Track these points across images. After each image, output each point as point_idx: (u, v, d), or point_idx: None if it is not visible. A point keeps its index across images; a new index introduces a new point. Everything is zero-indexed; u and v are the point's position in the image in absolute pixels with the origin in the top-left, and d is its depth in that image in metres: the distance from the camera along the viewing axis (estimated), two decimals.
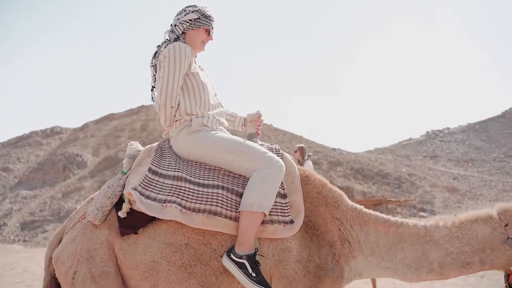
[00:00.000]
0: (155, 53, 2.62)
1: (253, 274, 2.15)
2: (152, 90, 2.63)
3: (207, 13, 2.61)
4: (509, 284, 2.39)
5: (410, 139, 60.93)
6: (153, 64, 2.61)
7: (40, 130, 51.35)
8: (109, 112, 53.70)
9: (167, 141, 2.59)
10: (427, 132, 62.22)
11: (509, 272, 2.38)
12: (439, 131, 62.37)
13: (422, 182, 39.63)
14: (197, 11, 2.59)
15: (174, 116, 2.51)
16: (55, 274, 2.43)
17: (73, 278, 2.27)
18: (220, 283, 2.25)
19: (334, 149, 45.96)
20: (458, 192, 38.49)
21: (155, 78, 2.59)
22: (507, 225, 2.34)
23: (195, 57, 2.68)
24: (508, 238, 2.32)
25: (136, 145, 2.62)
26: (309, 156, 8.34)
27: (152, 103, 2.66)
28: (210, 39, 2.69)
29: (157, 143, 2.55)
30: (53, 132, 51.03)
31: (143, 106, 53.81)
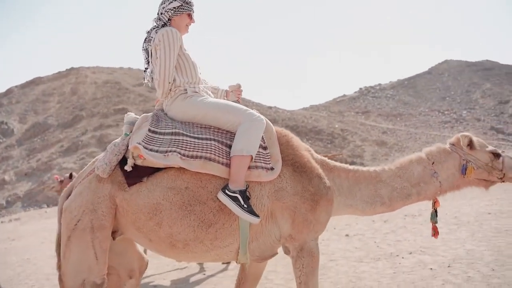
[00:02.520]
0: (145, 38, 3.02)
1: (245, 206, 2.62)
2: (145, 71, 3.09)
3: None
4: (435, 210, 3.10)
5: (344, 95, 62.69)
6: (145, 48, 3.04)
7: None
8: (36, 76, 50.61)
9: (160, 110, 3.00)
10: (360, 88, 64.18)
11: (435, 200, 3.08)
12: (371, 87, 64.55)
13: (354, 137, 41.41)
14: None
15: (170, 90, 2.94)
16: None
17: (76, 225, 2.68)
18: (217, 220, 2.68)
19: (270, 108, 46.62)
20: (386, 145, 40.66)
21: (147, 60, 3.04)
22: (433, 162, 3.05)
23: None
24: (435, 172, 3.03)
25: (132, 114, 3.05)
26: None
27: (144, 82, 3.14)
28: (193, 22, 3.11)
29: (153, 112, 2.97)
30: None
31: (72, 69, 51.17)
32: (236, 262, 2.84)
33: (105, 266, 2.71)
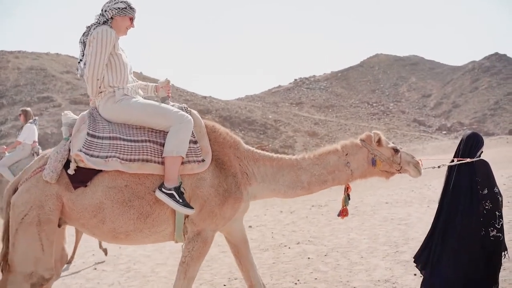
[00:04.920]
0: (84, 32, 3.18)
1: (180, 200, 2.95)
2: (79, 62, 3.22)
3: (132, 5, 3.24)
4: (347, 194, 3.51)
5: (279, 86, 63.71)
6: (82, 41, 3.20)
7: None
8: None
9: (95, 109, 3.17)
10: (295, 79, 65.49)
11: (347, 186, 3.51)
12: (306, 78, 66.00)
13: (286, 128, 42.31)
14: (124, 1, 3.20)
15: (99, 87, 3.12)
16: None
17: (23, 219, 2.90)
18: (153, 210, 3.02)
19: (204, 97, 46.35)
20: (317, 136, 41.94)
21: (83, 53, 3.19)
22: (347, 154, 3.47)
23: (118, 39, 3.23)
24: (347, 162, 3.44)
25: (70, 114, 3.26)
26: (34, 120, 7.77)
27: (77, 73, 3.25)
28: (132, 27, 3.31)
29: (87, 111, 3.17)
30: None
31: None
32: (174, 241, 3.24)
33: (51, 259, 2.96)
